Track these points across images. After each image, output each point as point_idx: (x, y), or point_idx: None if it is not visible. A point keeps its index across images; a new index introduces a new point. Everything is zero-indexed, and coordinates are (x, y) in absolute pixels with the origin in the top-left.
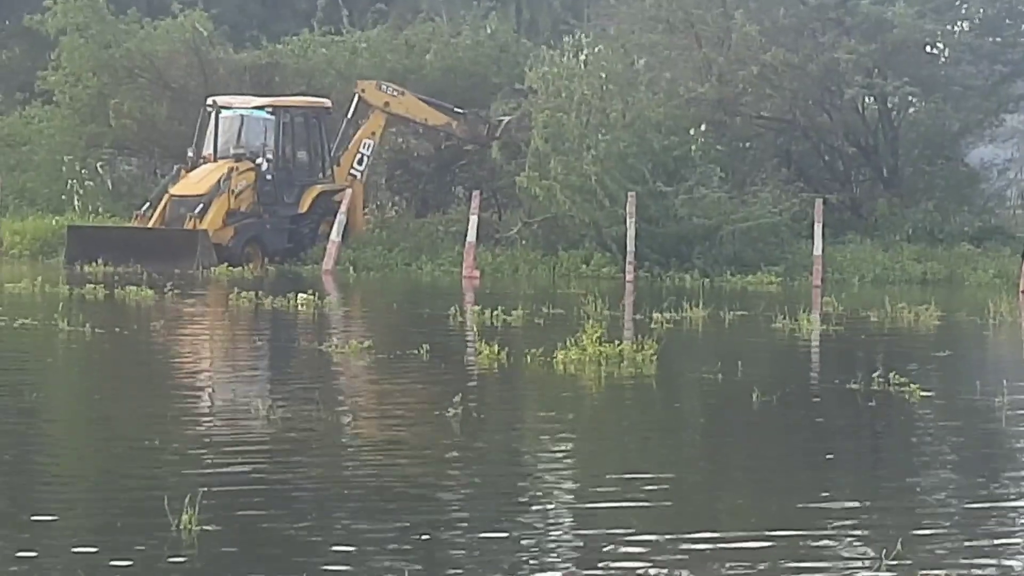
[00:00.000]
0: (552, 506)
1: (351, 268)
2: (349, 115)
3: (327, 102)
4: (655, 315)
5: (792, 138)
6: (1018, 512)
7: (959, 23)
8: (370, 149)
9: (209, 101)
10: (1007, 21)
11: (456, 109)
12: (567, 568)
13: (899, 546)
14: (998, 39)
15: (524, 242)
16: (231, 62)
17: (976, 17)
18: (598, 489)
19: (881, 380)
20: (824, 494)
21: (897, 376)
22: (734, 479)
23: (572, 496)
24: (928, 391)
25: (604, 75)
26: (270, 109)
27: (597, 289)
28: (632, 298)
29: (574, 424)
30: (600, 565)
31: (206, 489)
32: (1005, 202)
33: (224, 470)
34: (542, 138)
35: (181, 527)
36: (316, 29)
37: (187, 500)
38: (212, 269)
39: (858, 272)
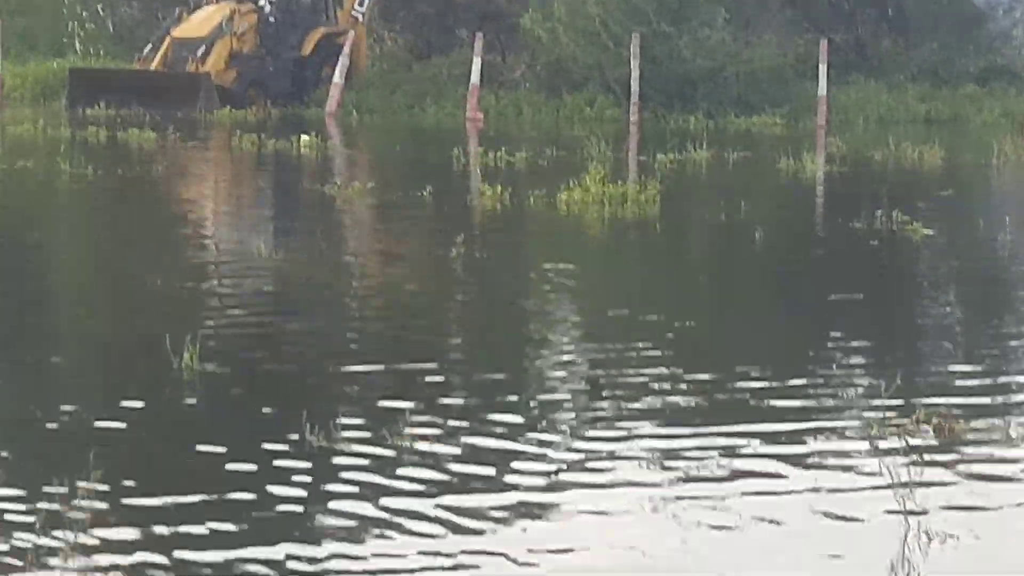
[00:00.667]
0: (553, 343)
1: (354, 111)
2: None
3: None
4: (659, 156)
5: None
6: (1018, 346)
7: None
8: None
9: None
10: None
11: None
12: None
13: (898, 379)
14: None
15: (528, 85)
16: None
17: None
18: (597, 329)
19: (884, 220)
20: (826, 332)
21: (900, 215)
22: (734, 319)
23: (574, 334)
24: (930, 230)
25: None
26: None
27: (600, 131)
28: (636, 140)
29: (576, 264)
30: (600, 402)
31: (209, 331)
32: (1011, 41)
33: (226, 313)
34: None
35: (183, 366)
36: None
37: (188, 340)
38: (214, 112)
39: (862, 113)
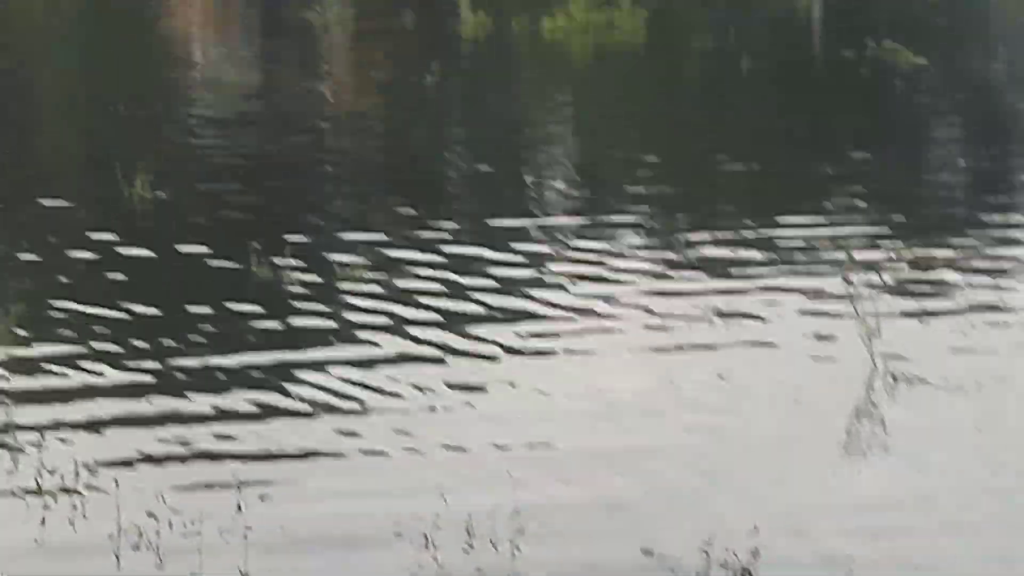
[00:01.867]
0: (544, 182)
1: None
2: None
3: None
4: None
5: None
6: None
7: None
8: None
9: None
10: None
11: None
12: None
13: (873, 214)
14: None
15: None
16: None
17: None
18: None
19: (874, 48)
20: (803, 171)
21: (890, 43)
22: (716, 154)
23: (561, 169)
24: (922, 57)
25: None
26: None
27: None
28: None
29: (548, 96)
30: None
31: (165, 157)
32: None
33: (190, 140)
34: None
35: (132, 192)
36: None
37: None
38: None
39: None
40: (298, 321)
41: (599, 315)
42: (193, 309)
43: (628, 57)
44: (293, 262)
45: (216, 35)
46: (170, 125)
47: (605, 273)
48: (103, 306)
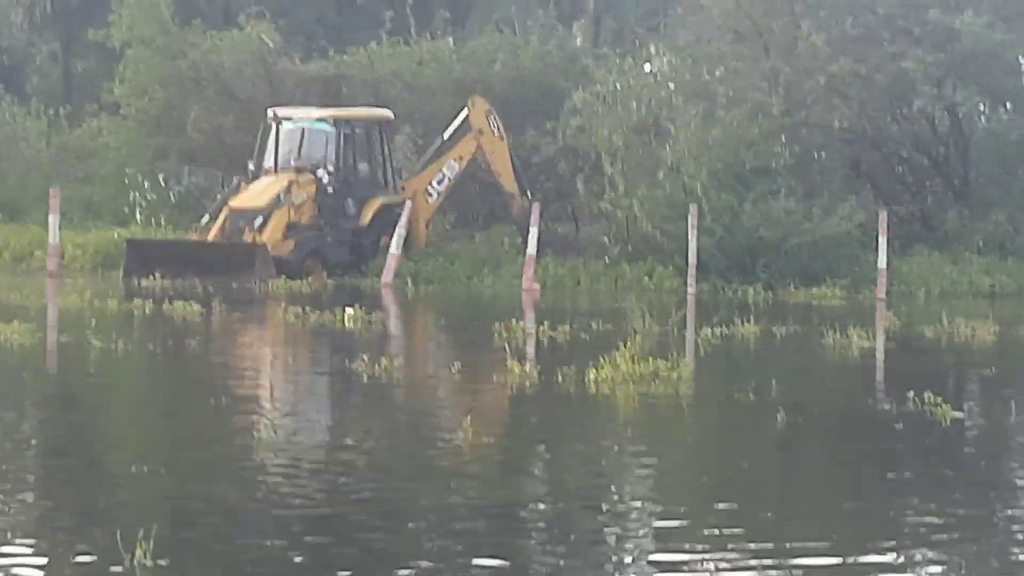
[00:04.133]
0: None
1: (409, 281)
2: (449, 132)
3: (389, 113)
4: (705, 331)
5: (862, 149)
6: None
7: None
8: (454, 172)
9: (270, 113)
10: None
11: (528, 192)
12: None
13: None
14: None
15: (604, 256)
16: (298, 73)
17: None
18: (585, 521)
19: (915, 401)
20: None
21: (932, 396)
22: (727, 508)
23: (563, 520)
24: (960, 412)
25: (672, 85)
26: (331, 121)
27: (658, 303)
28: (688, 312)
29: (580, 449)
30: None
31: (170, 519)
32: None
33: (190, 499)
34: (612, 161)
35: (135, 563)
36: (384, 40)
37: (140, 534)
38: (270, 283)
39: (924, 285)
40: None
41: None
42: None
43: (665, 409)
44: None
45: (251, 386)
46: (183, 482)
47: None
48: None
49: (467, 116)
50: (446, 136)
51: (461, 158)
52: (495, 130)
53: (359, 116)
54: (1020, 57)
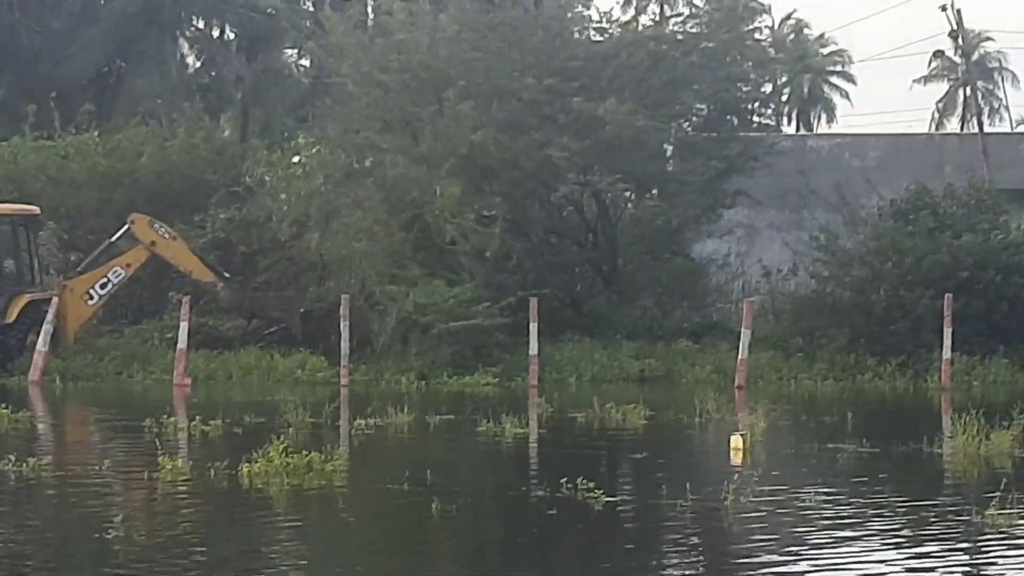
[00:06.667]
0: None
1: (57, 378)
2: (113, 238)
3: (36, 209)
4: (358, 422)
5: (512, 235)
6: None
7: (677, 120)
8: (119, 278)
9: None
10: (726, 117)
11: (225, 274)
12: None
13: None
14: (714, 134)
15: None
16: None
17: (693, 114)
18: None
19: (569, 486)
20: None
21: (585, 482)
22: None
23: None
24: (613, 496)
25: (322, 177)
26: None
27: (311, 395)
28: (341, 403)
29: (227, 541)
30: None
31: None
32: (730, 295)
33: None
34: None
35: None
36: (27, 134)
37: None
38: None
39: (576, 371)
40: None
41: None
42: None
43: (319, 500)
44: None
45: None
46: None
47: None
48: None
49: (128, 231)
50: (113, 239)
51: (129, 266)
52: (165, 235)
53: (4, 212)
54: (664, 144)
